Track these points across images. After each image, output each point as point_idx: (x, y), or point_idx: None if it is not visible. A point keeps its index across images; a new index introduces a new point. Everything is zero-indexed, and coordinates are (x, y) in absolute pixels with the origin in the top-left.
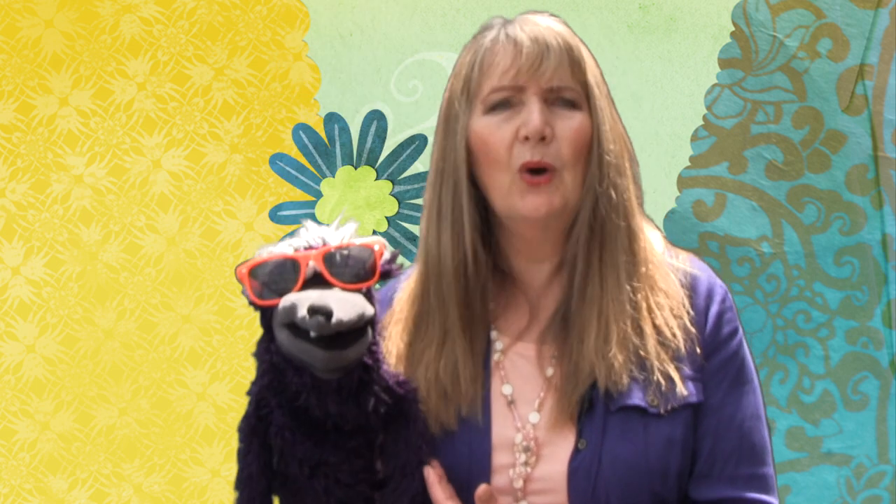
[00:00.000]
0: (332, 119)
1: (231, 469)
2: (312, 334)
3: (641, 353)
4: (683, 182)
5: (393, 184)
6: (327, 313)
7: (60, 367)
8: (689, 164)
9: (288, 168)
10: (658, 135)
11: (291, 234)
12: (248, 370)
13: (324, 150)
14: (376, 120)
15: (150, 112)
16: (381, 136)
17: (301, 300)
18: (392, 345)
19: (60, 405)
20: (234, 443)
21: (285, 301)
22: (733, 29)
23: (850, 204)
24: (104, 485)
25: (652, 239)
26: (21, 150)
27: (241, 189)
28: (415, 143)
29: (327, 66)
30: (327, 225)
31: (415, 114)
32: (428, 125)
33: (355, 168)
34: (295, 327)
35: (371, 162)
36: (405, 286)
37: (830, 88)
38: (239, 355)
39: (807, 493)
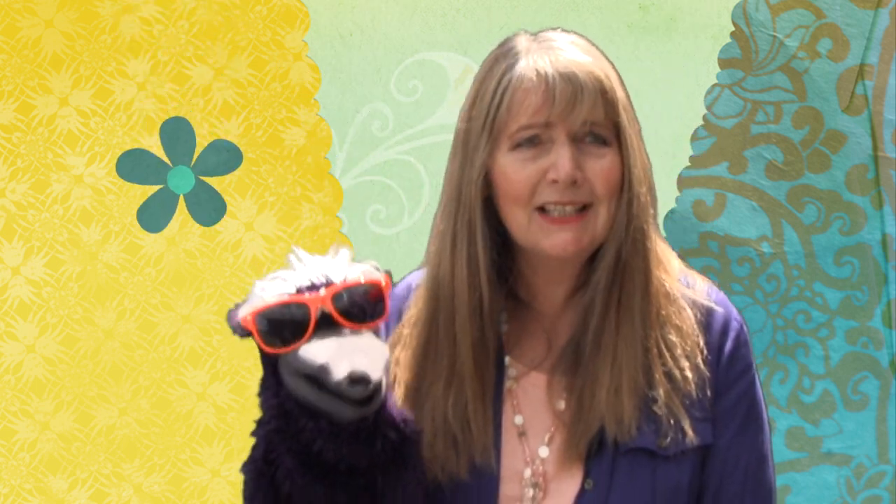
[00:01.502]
0: None
1: (231, 469)
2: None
3: (652, 401)
4: (683, 182)
5: None
6: (367, 382)
7: (60, 367)
8: (689, 164)
9: None
10: (658, 135)
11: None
12: (248, 370)
13: None
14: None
15: (150, 112)
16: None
17: (332, 360)
18: (400, 371)
19: (60, 405)
20: (234, 443)
21: (310, 356)
22: (733, 29)
23: (850, 204)
24: (104, 485)
25: (668, 266)
26: (21, 150)
27: (241, 189)
28: None
29: (327, 66)
30: (318, 255)
31: (415, 114)
32: (428, 125)
33: None
34: (317, 379)
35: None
36: (414, 300)
37: (830, 88)
38: (239, 355)
39: (807, 493)
